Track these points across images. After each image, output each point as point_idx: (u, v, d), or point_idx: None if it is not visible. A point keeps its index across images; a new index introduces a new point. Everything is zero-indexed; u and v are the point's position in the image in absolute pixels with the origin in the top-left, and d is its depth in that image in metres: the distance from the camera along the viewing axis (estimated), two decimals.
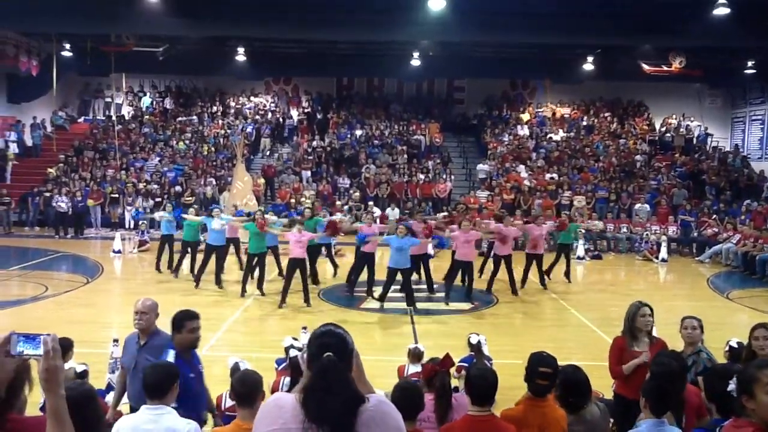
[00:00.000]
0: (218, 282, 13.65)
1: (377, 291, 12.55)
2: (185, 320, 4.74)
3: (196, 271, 13.87)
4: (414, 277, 13.22)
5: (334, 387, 2.33)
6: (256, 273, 13.23)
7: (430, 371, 4.62)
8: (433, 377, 4.50)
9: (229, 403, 5.45)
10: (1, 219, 21.18)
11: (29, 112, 26.26)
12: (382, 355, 8.76)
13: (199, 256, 14.27)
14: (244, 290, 13.00)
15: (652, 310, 5.34)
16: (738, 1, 15.46)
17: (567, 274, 15.20)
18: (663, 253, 18.78)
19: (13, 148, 25.05)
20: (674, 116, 28.64)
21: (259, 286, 13.08)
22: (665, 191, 22.99)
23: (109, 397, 5.88)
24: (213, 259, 13.80)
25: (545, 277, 14.47)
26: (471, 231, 12.90)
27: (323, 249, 15.16)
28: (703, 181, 23.96)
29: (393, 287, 12.32)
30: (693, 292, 15.22)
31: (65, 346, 5.90)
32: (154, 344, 5.01)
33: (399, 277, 12.25)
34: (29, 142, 25.94)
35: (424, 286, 13.64)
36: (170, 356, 4.67)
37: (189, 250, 14.63)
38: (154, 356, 4.82)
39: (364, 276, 13.04)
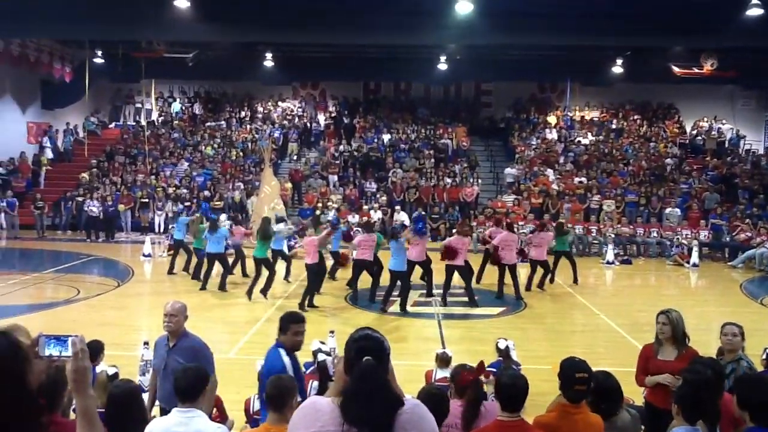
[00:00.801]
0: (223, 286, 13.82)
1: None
2: (290, 323, 4.91)
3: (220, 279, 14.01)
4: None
5: (375, 391, 2.37)
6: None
7: (465, 380, 4.55)
8: (468, 385, 4.45)
9: (258, 406, 5.48)
10: (35, 223, 21.59)
11: (62, 118, 26.80)
12: (409, 360, 8.72)
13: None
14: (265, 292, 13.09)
15: (670, 318, 5.16)
16: None
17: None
18: (694, 257, 18.46)
19: (47, 154, 25.56)
20: (705, 119, 28.21)
21: (249, 290, 12.97)
22: (696, 195, 22.62)
23: None
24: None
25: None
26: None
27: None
28: (735, 184, 23.53)
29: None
30: (725, 297, 14.94)
31: (96, 349, 6.00)
32: (183, 346, 5.10)
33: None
34: (62, 148, 26.43)
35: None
36: (283, 354, 4.82)
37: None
38: (184, 358, 4.91)
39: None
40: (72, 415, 2.59)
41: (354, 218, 21.26)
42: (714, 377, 4.24)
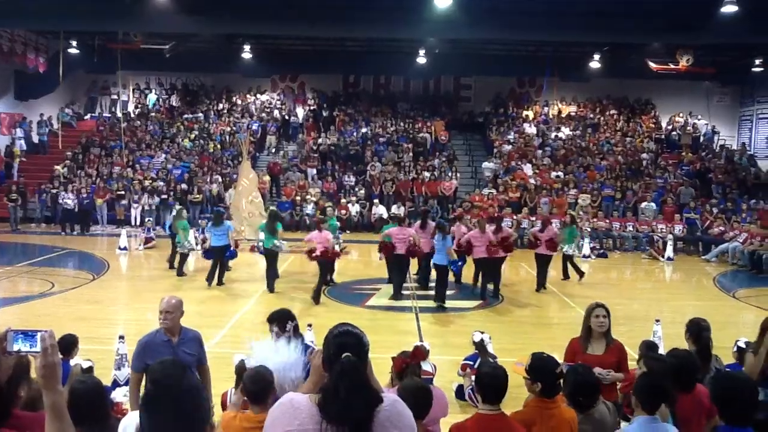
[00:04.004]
0: (221, 281, 13.76)
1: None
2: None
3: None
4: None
5: (355, 388, 2.35)
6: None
7: (401, 364, 4.61)
8: (404, 370, 4.51)
9: (235, 399, 5.45)
10: (8, 216, 21.25)
11: (36, 109, 26.35)
12: (387, 353, 8.72)
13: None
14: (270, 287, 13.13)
15: (608, 311, 5.20)
16: None
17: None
18: (669, 251, 18.71)
19: (20, 145, 25.15)
20: (681, 114, 28.52)
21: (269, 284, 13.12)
22: (672, 189, 22.91)
23: (114, 394, 5.89)
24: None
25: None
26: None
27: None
28: (709, 179, 23.87)
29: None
30: (699, 291, 15.16)
31: (70, 343, 5.92)
32: (188, 338, 5.15)
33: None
34: (36, 139, 26.03)
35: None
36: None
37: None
38: (192, 349, 5.08)
39: (360, 274, 13.06)
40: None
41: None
42: (672, 366, 4.29)
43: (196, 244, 16.19)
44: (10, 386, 2.35)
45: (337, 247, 13.25)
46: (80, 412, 3.50)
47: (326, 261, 12.54)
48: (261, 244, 13.31)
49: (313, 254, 12.31)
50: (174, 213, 15.93)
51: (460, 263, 12.75)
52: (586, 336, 5.17)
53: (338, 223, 15.61)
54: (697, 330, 5.38)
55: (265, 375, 4.10)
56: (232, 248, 13.79)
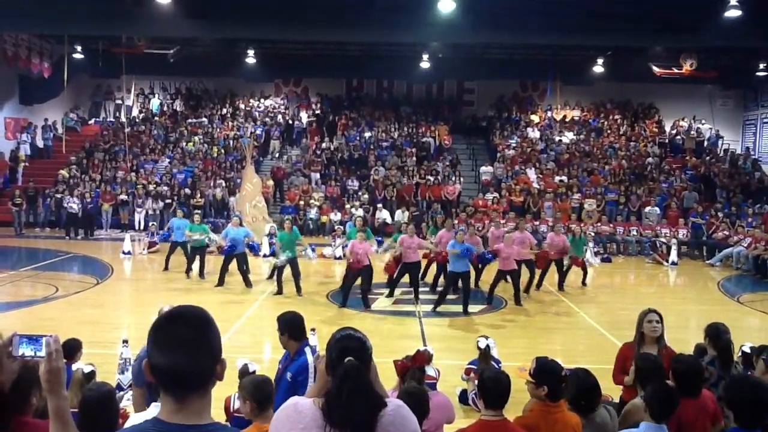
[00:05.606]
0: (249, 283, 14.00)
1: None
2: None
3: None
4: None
5: (358, 392, 2.35)
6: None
7: (402, 368, 4.58)
8: (406, 373, 4.49)
9: (238, 404, 5.45)
10: (12, 220, 21.28)
11: (41, 113, 26.43)
12: (391, 357, 8.72)
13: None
14: (280, 290, 13.30)
15: (661, 316, 5.19)
16: (750, 3, 15.40)
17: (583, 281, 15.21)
18: (673, 256, 18.66)
19: (25, 150, 25.22)
20: (685, 119, 28.47)
21: (297, 289, 13.30)
22: (675, 194, 22.86)
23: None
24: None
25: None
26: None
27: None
28: (713, 183, 23.82)
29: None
30: (704, 295, 15.10)
31: (74, 347, 5.92)
32: None
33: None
34: (40, 144, 26.10)
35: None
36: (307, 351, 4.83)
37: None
38: None
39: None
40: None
41: (336, 216, 21.27)
42: (676, 372, 4.29)
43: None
44: (19, 392, 2.35)
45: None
46: (92, 419, 3.51)
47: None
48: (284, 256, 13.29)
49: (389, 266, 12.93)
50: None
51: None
52: (639, 341, 5.20)
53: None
54: (716, 333, 5.39)
55: (266, 380, 4.10)
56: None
